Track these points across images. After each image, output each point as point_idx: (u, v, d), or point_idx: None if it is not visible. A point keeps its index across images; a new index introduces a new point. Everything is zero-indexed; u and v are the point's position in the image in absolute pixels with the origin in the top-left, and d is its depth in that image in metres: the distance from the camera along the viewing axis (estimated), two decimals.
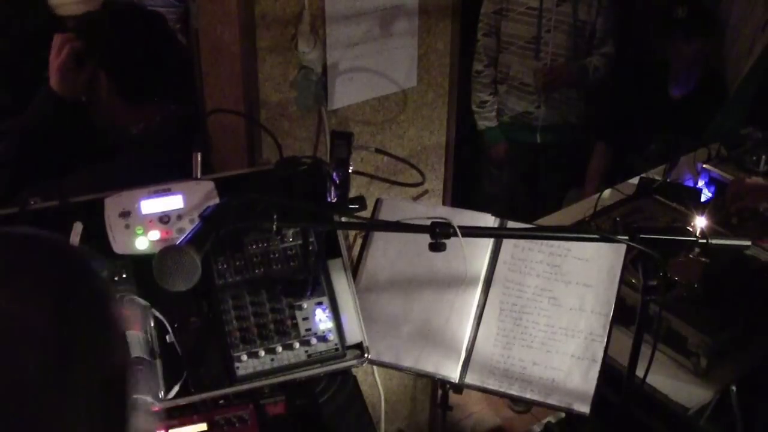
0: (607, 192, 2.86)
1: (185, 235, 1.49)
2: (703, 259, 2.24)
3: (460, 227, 1.53)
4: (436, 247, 1.52)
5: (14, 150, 1.97)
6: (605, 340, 1.81)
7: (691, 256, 2.25)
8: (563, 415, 2.50)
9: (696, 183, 2.78)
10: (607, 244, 1.82)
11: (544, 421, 2.95)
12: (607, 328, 1.81)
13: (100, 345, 0.84)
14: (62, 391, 0.79)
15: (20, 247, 0.85)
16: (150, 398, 1.48)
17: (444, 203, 2.66)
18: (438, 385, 2.01)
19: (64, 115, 1.99)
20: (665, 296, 1.98)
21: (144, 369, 1.49)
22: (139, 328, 1.53)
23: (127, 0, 2.52)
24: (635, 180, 2.84)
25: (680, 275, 2.21)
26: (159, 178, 1.71)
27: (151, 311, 1.58)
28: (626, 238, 1.58)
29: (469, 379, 1.83)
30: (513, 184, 3.92)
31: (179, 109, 2.16)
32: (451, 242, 1.53)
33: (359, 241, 2.00)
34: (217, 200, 1.68)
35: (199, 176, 1.73)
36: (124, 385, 0.85)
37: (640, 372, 1.69)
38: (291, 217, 1.59)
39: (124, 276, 1.60)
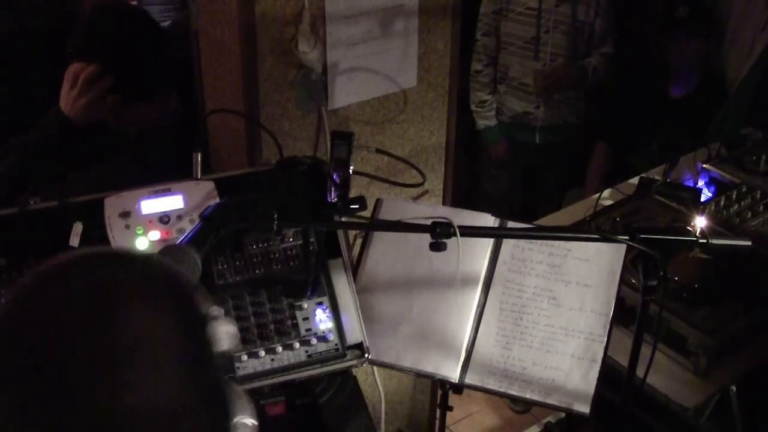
0: (607, 192, 2.86)
1: (185, 235, 1.49)
2: (704, 256, 2.23)
3: (460, 227, 1.53)
4: (437, 246, 1.52)
5: (17, 169, 1.96)
6: (605, 340, 1.81)
7: (690, 255, 2.25)
8: (563, 415, 2.50)
9: (696, 183, 2.78)
10: (607, 244, 1.82)
11: (544, 421, 2.95)
12: (607, 328, 1.81)
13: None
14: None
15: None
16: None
17: (444, 203, 2.66)
18: (438, 385, 2.01)
19: (71, 136, 1.98)
20: (665, 296, 1.97)
21: None
22: None
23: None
24: (635, 180, 2.84)
25: (679, 274, 2.21)
26: (157, 178, 1.71)
27: None
28: (626, 238, 1.58)
29: (469, 379, 1.83)
30: (513, 184, 3.92)
31: (176, 107, 2.15)
32: (451, 242, 1.53)
33: (359, 241, 2.00)
34: (217, 200, 1.68)
35: (199, 176, 1.73)
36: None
37: (640, 372, 1.69)
38: (291, 217, 1.59)
39: None
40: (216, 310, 0.90)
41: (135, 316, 0.82)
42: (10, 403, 0.78)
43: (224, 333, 0.89)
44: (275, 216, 1.53)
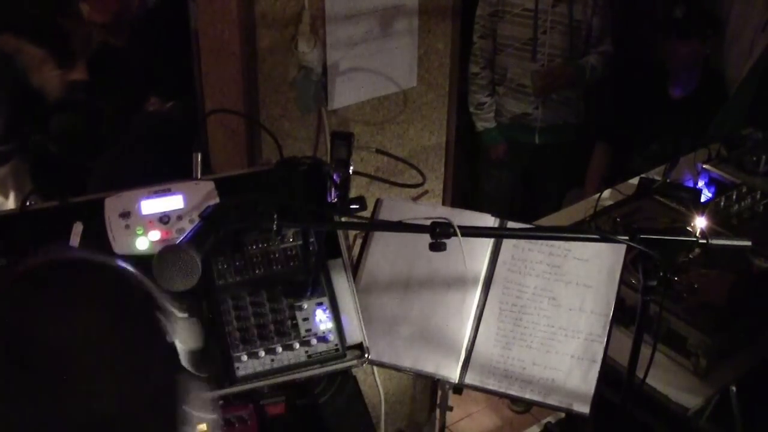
0: (607, 192, 2.86)
1: (185, 235, 1.49)
2: (731, 277, 2.19)
3: (460, 227, 1.53)
4: (436, 247, 1.52)
5: None
6: (605, 340, 1.81)
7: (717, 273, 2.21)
8: (563, 415, 2.50)
9: (696, 183, 2.78)
10: (607, 244, 1.82)
11: (544, 421, 2.95)
12: (607, 328, 1.81)
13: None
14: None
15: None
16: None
17: (444, 203, 2.67)
18: (438, 385, 2.01)
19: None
20: (665, 296, 1.97)
21: None
22: None
23: None
24: (635, 180, 2.84)
25: (707, 294, 2.18)
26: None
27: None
28: (626, 238, 1.58)
29: (469, 379, 1.83)
30: (513, 184, 3.92)
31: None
32: (451, 242, 1.53)
33: (359, 241, 2.00)
34: (217, 200, 1.68)
35: (199, 176, 1.73)
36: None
37: (640, 372, 1.69)
38: (291, 217, 1.59)
39: None
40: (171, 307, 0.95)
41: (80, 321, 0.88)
42: None
43: (179, 328, 0.95)
44: (275, 216, 1.53)
